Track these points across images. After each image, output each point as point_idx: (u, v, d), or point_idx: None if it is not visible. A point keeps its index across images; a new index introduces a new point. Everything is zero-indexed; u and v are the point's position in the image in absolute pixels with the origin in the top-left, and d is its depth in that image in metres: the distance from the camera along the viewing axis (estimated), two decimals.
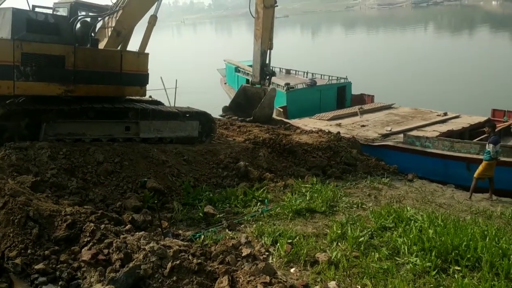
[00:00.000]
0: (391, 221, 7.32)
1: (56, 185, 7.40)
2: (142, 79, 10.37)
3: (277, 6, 15.63)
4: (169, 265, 4.87)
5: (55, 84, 8.90)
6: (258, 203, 8.24)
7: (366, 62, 36.46)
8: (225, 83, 23.50)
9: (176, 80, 20.67)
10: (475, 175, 9.96)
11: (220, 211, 7.85)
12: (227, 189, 8.79)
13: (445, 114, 16.02)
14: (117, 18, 9.99)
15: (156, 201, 7.07)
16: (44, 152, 7.89)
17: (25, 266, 5.13)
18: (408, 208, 7.98)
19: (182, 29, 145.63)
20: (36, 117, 8.62)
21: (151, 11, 10.55)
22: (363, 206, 8.45)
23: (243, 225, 7.37)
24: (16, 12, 8.38)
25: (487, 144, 10.01)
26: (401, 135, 13.20)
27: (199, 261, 5.06)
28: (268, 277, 4.77)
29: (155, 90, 17.50)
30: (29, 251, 5.33)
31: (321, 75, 20.65)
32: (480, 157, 10.32)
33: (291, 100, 17.48)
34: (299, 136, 12.24)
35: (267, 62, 15.73)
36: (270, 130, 12.51)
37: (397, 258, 6.13)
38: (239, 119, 15.06)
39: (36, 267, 5.12)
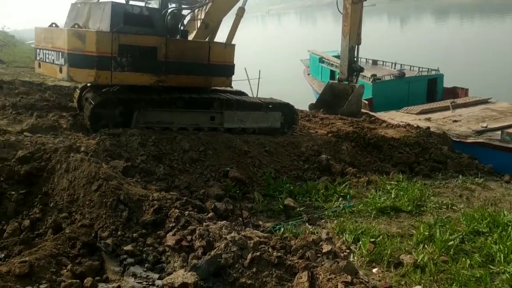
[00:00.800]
0: (485, 225, 6.76)
1: (145, 171, 7.75)
2: (228, 70, 10.53)
3: (365, 0, 15.06)
4: (249, 256, 4.88)
5: (148, 74, 9.30)
6: (340, 199, 8.04)
7: (460, 53, 34.15)
8: (308, 74, 23.28)
9: (260, 71, 20.81)
10: None
11: (300, 204, 7.76)
12: (308, 182, 8.67)
13: None
14: (206, 10, 10.19)
15: (238, 191, 7.15)
16: (135, 139, 8.31)
17: (115, 247, 5.42)
18: (505, 212, 7.32)
19: (267, 19, 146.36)
20: (129, 106, 9.09)
21: (239, 3, 10.66)
22: (453, 207, 7.91)
23: (323, 220, 7.23)
24: (115, 6, 8.85)
25: None
26: (498, 133, 12.21)
27: (279, 254, 5.01)
28: (349, 277, 4.61)
29: (239, 80, 17.76)
30: (119, 232, 5.61)
31: (411, 66, 19.71)
32: None
33: (377, 92, 16.92)
34: (385, 130, 11.76)
35: (355, 58, 15.31)
36: (354, 123, 12.17)
37: (491, 267, 5.65)
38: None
39: (125, 248, 5.37)
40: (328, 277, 4.69)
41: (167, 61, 9.40)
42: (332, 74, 20.26)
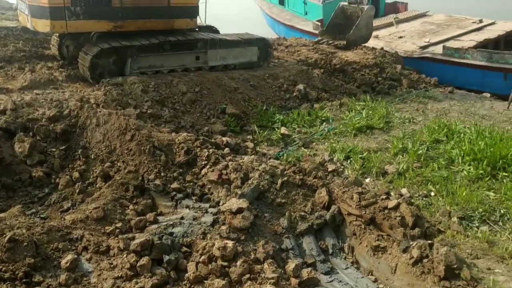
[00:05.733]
0: (443, 135, 8.49)
1: (153, 116, 8.59)
2: (191, 11, 10.90)
3: None
4: (280, 181, 6.17)
5: (104, 21, 9.59)
6: (324, 123, 9.42)
7: None
8: None
9: None
10: None
11: (292, 131, 9.07)
12: (292, 110, 9.91)
13: (481, 21, 16.35)
14: None
15: (252, 127, 8.25)
16: (137, 86, 9.01)
17: (164, 186, 6.51)
18: (457, 122, 9.09)
19: None
20: (123, 53, 9.57)
21: None
22: (414, 121, 9.60)
23: (314, 143, 8.64)
24: None
25: None
26: (439, 46, 13.88)
27: (301, 177, 6.36)
28: (360, 188, 6.07)
29: None
30: (162, 174, 6.65)
31: None
32: None
33: (328, 13, 17.77)
34: (345, 54, 13.02)
35: None
36: (318, 49, 13.25)
37: (453, 167, 7.37)
38: (334, 43, 13.99)
39: (172, 186, 6.47)
40: (343, 190, 6.11)
41: (122, 7, 9.70)
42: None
